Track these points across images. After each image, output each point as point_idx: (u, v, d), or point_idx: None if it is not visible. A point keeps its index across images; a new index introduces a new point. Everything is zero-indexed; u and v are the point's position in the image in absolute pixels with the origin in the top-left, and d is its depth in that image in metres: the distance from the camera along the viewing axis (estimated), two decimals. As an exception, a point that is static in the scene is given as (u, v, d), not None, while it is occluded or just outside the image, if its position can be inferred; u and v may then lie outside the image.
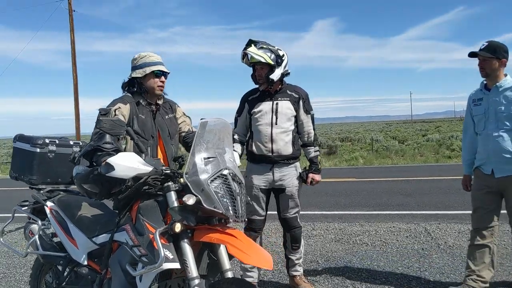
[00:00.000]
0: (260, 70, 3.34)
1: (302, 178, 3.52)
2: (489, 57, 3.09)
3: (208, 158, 2.18)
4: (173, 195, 2.17)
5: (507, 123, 3.09)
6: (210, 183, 2.08)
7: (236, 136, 3.52)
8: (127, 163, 2.05)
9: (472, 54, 3.16)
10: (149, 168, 2.13)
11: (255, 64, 3.36)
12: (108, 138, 2.24)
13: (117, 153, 2.11)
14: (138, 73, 2.78)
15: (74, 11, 21.14)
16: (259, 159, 3.41)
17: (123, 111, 2.70)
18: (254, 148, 3.42)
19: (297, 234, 3.50)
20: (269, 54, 3.28)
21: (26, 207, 2.91)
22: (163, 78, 2.83)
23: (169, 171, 2.22)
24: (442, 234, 5.12)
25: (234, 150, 2.72)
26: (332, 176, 11.63)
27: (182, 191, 2.17)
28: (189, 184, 2.09)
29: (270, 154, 3.37)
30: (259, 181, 3.41)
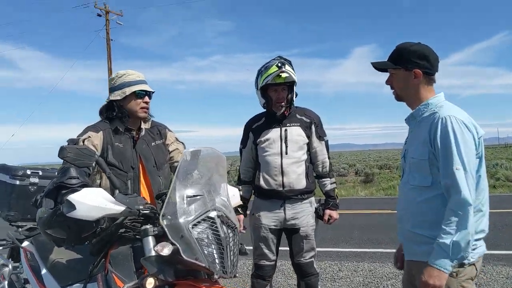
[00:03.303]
0: (282, 92, 2.91)
1: (318, 214, 3.03)
2: (394, 68, 2.02)
3: (194, 196, 1.80)
4: (150, 242, 1.77)
5: (416, 175, 1.95)
6: (192, 228, 1.69)
7: (242, 176, 3.14)
8: (92, 202, 1.69)
9: (376, 67, 2.10)
10: (120, 208, 1.76)
11: (276, 86, 2.88)
12: (73, 172, 1.88)
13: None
14: (116, 95, 2.45)
15: (112, 40, 21.92)
16: (268, 195, 2.94)
17: (94, 141, 2.36)
18: (262, 181, 2.95)
19: (313, 283, 2.99)
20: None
21: (1, 247, 2.61)
22: (146, 98, 2.49)
23: (148, 211, 1.84)
24: (487, 279, 4.43)
25: (237, 187, 2.32)
26: (367, 207, 10.95)
27: (163, 236, 1.78)
28: (165, 228, 1.71)
29: (281, 188, 2.89)
30: (269, 220, 2.95)
